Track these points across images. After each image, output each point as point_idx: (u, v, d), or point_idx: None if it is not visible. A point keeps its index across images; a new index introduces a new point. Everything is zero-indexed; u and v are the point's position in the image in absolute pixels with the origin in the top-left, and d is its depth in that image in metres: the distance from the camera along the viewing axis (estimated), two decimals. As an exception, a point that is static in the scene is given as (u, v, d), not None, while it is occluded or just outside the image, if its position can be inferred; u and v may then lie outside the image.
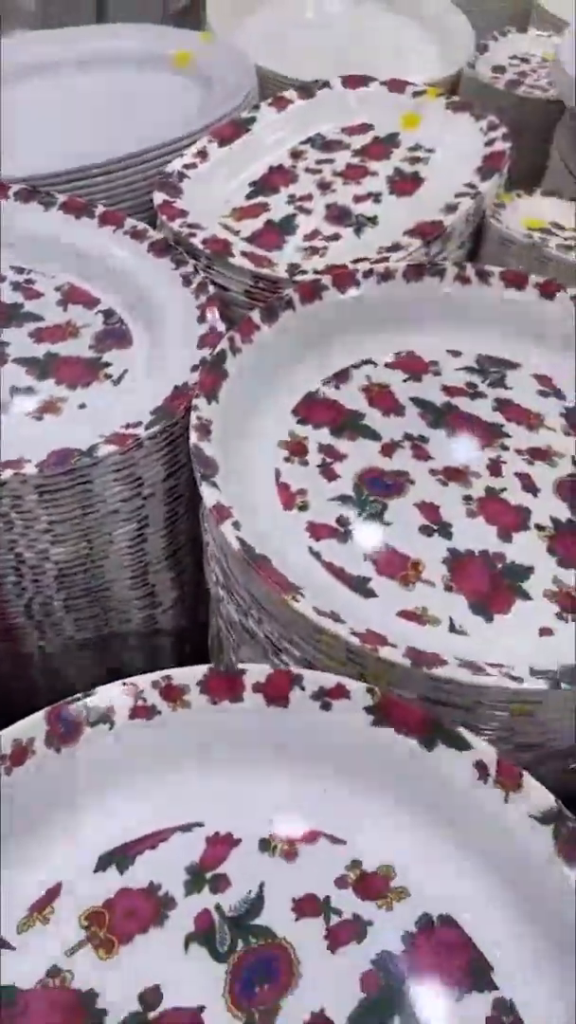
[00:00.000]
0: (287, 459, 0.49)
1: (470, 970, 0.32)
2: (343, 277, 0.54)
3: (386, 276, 0.55)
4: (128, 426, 0.47)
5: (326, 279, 0.54)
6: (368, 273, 0.55)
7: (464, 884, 0.33)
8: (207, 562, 0.49)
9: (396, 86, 0.74)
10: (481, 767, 0.34)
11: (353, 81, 0.74)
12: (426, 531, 0.46)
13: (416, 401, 0.52)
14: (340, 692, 0.35)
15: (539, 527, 0.46)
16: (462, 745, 0.34)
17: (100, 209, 0.59)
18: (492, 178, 0.64)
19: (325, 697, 0.35)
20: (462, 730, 0.34)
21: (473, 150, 0.68)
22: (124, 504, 0.49)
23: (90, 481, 0.47)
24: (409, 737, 0.34)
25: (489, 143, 0.67)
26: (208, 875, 0.33)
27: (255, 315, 0.51)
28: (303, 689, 0.36)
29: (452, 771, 0.34)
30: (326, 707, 0.35)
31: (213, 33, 0.85)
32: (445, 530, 0.46)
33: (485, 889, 0.33)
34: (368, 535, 0.45)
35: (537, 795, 0.33)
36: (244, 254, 0.58)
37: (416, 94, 0.73)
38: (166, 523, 0.53)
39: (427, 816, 0.34)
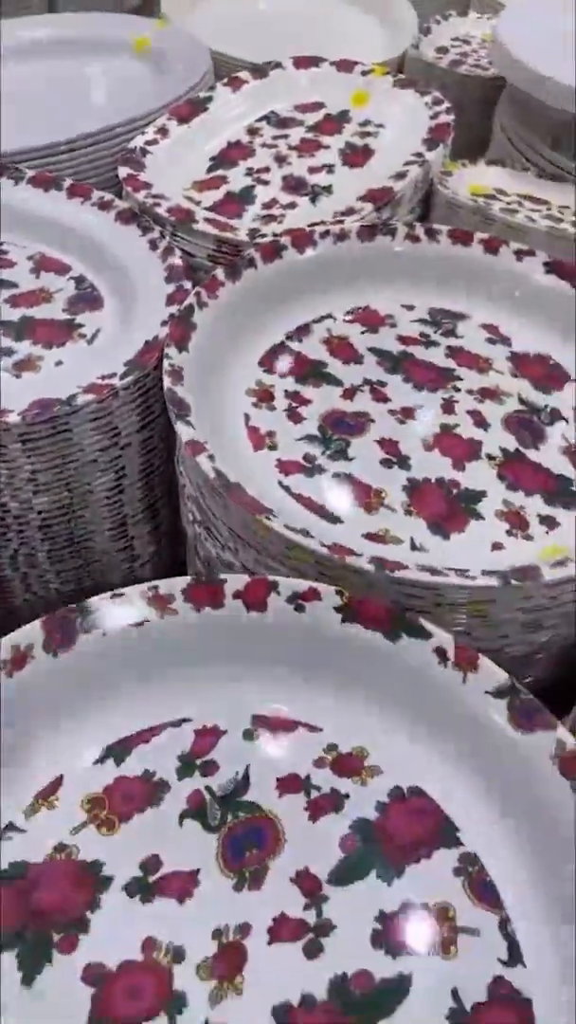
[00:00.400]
0: (255, 405, 0.52)
1: (438, 831, 0.35)
2: (301, 238, 0.58)
3: (341, 236, 0.59)
4: (103, 377, 0.51)
5: (285, 239, 0.58)
6: (324, 234, 0.59)
7: (431, 758, 0.37)
8: (184, 503, 0.52)
9: (345, 66, 0.78)
10: (441, 652, 0.37)
11: (304, 62, 0.78)
12: (386, 464, 0.49)
13: (374, 351, 0.56)
14: (312, 595, 0.39)
15: (489, 457, 0.50)
16: (423, 634, 0.38)
17: (68, 182, 0.63)
18: (438, 148, 0.68)
19: (299, 600, 0.39)
20: (423, 621, 0.38)
21: (419, 123, 0.72)
22: (102, 454, 0.52)
23: (69, 430, 0.50)
24: (375, 631, 0.38)
25: (434, 116, 0.72)
26: (198, 762, 0.37)
27: (219, 273, 0.55)
28: (279, 594, 0.39)
29: (415, 658, 0.38)
30: (300, 609, 0.39)
31: (168, 20, 0.88)
32: (404, 462, 0.49)
33: (450, 761, 0.37)
34: (333, 471, 0.49)
35: (492, 673, 0.37)
36: (207, 221, 0.61)
37: (364, 73, 0.77)
38: (142, 475, 0.56)
39: (395, 701, 0.38)
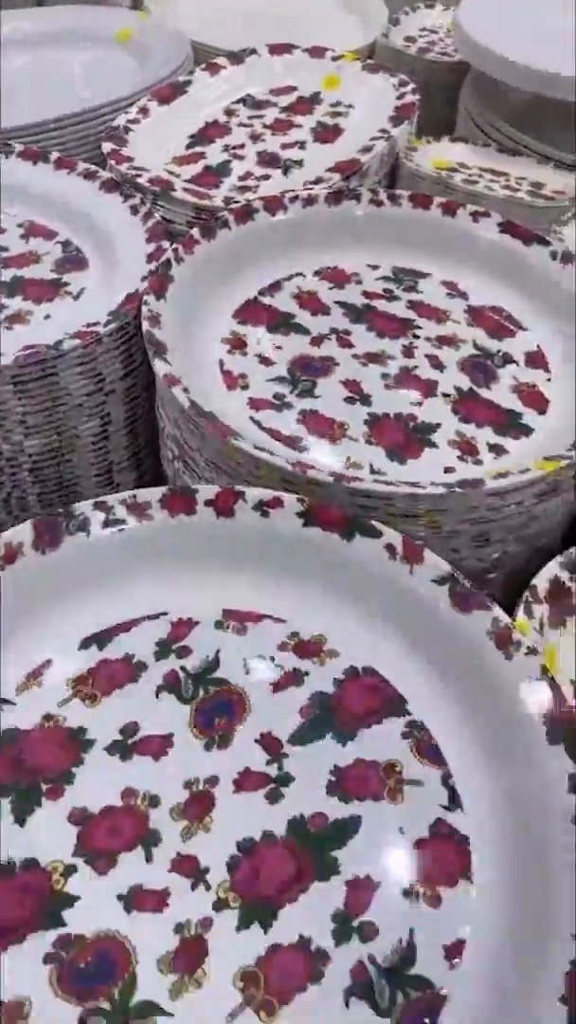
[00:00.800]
0: (229, 352, 0.57)
1: (388, 702, 0.40)
2: (272, 202, 0.63)
3: (310, 201, 0.64)
4: (88, 326, 0.55)
5: (257, 203, 0.63)
6: (294, 199, 0.63)
7: (383, 643, 0.41)
8: (163, 444, 0.57)
9: (317, 52, 0.83)
10: (391, 548, 0.42)
11: (278, 49, 0.83)
12: (349, 401, 0.54)
13: (340, 304, 0.61)
14: (276, 503, 0.43)
15: (445, 394, 0.55)
16: (375, 534, 0.42)
17: (55, 155, 0.67)
18: (403, 124, 0.73)
19: (264, 507, 0.43)
20: (374, 522, 0.42)
21: (387, 103, 0.77)
22: (88, 399, 0.57)
23: (56, 374, 0.54)
24: (333, 532, 0.43)
25: (400, 96, 0.77)
26: (174, 646, 0.41)
27: (195, 232, 0.60)
28: (246, 502, 0.44)
29: (368, 555, 0.42)
30: (265, 515, 0.43)
31: (149, 12, 0.93)
32: (366, 399, 0.54)
33: (399, 644, 0.41)
34: (300, 408, 0.53)
35: (435, 564, 0.41)
36: (186, 190, 0.66)
37: (335, 59, 0.83)
38: (127, 422, 0.61)
39: (351, 594, 0.42)
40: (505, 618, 0.39)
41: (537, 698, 0.37)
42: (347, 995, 0.31)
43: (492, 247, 0.63)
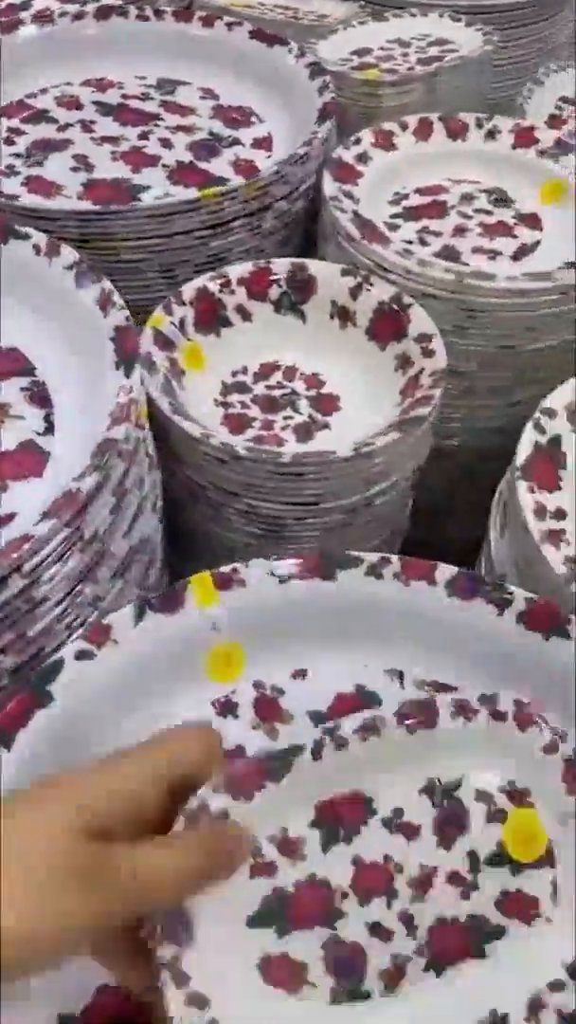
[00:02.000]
0: (-23, 137, 0.64)
1: (19, 367, 0.46)
2: (40, 14, 0.70)
3: (79, 16, 0.70)
4: None
5: (25, 16, 0.69)
6: (63, 14, 0.70)
7: (26, 324, 0.48)
8: None
9: None
10: (36, 248, 0.48)
11: None
12: (74, 170, 0.61)
13: (97, 103, 0.68)
14: None
15: (165, 166, 0.62)
16: (24, 236, 0.49)
17: None
18: (199, -37, 0.79)
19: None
20: (23, 228, 0.49)
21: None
22: None
23: None
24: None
25: (209, -57, 0.83)
26: None
27: (-43, 35, 0.66)
28: None
29: (18, 254, 0.49)
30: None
31: None
32: (89, 168, 0.61)
33: (37, 323, 0.48)
34: (26, 175, 0.60)
35: (68, 254, 0.48)
36: (-26, 15, 0.73)
37: None
38: None
39: (5, 289, 0.49)
40: (109, 286, 0.45)
41: (118, 334, 0.43)
42: None
43: (241, 51, 0.69)
